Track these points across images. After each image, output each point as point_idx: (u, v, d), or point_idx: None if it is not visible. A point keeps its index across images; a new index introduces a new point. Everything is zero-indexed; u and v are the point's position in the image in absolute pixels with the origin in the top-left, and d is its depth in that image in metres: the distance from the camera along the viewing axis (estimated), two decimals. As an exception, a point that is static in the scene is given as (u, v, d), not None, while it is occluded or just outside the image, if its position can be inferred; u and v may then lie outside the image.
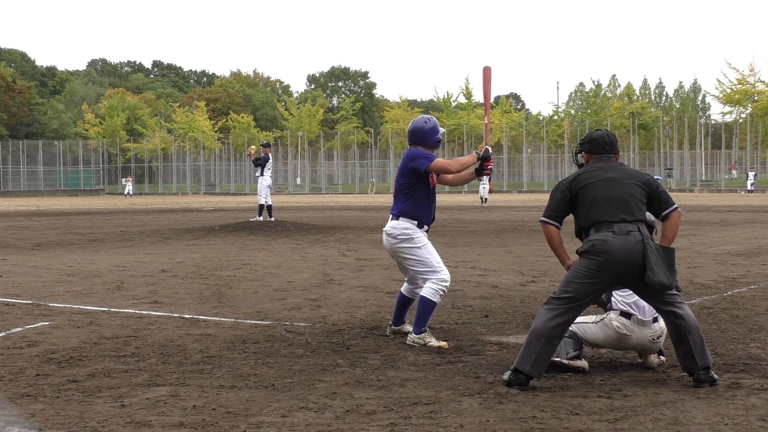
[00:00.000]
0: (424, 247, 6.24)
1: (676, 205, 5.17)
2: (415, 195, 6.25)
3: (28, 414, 4.38)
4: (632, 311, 5.29)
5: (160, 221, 24.93)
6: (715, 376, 4.93)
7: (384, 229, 6.42)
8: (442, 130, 6.54)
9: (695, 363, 4.89)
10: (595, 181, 5.08)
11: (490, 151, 6.37)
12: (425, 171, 6.18)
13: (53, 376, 5.22)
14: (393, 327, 6.58)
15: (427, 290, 6.16)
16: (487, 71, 6.96)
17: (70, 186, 75.42)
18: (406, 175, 6.27)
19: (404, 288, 6.55)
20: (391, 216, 6.38)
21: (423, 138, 6.36)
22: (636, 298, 5.27)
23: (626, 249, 4.85)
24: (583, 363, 5.28)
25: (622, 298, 5.36)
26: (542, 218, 5.32)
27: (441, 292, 6.18)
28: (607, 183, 5.05)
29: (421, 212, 6.27)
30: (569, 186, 5.17)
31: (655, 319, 5.29)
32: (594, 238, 4.94)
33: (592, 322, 5.39)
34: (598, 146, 5.29)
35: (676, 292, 5.02)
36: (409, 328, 6.42)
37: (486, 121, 6.83)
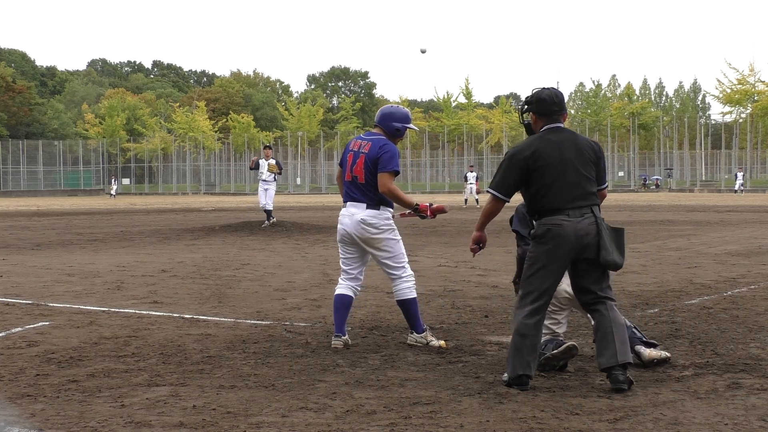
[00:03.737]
0: (400, 241, 6.16)
1: (606, 184, 5.23)
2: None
3: (28, 414, 4.38)
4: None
5: (160, 221, 24.92)
6: (632, 378, 4.83)
7: (361, 217, 5.98)
8: (416, 128, 6.42)
9: (615, 358, 4.75)
10: (552, 162, 4.93)
11: (428, 215, 6.10)
12: (379, 171, 5.89)
13: (53, 376, 5.22)
14: (342, 337, 6.08)
15: (404, 291, 6.05)
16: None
17: (70, 186, 75.35)
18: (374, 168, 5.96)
19: (343, 288, 6.15)
20: (366, 204, 5.98)
21: (380, 118, 6.13)
22: None
23: (581, 231, 4.87)
24: (569, 343, 5.28)
25: None
26: (494, 192, 5.08)
27: (414, 286, 6.10)
28: (565, 167, 4.93)
29: (393, 204, 6.13)
30: (526, 162, 4.96)
31: None
32: (548, 223, 4.91)
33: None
34: (546, 107, 5.07)
35: (611, 293, 5.01)
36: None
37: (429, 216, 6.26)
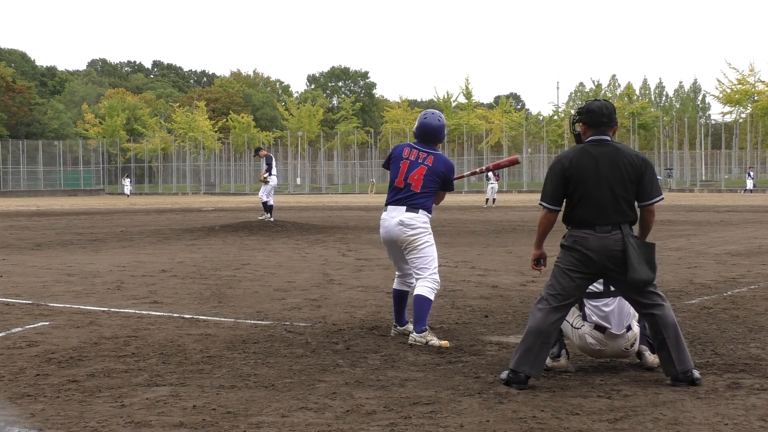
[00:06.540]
0: (433, 246, 6.39)
1: (655, 199, 5.09)
2: (434, 196, 6.45)
3: (28, 414, 4.38)
4: (606, 325, 5.21)
5: (160, 221, 24.92)
6: (697, 375, 4.92)
7: (399, 218, 6.31)
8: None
9: (674, 368, 4.91)
10: (587, 177, 4.99)
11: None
12: (441, 189, 6.43)
13: (53, 376, 5.22)
14: (398, 328, 6.59)
15: (424, 289, 6.22)
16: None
17: (70, 186, 75.35)
18: (437, 181, 6.36)
19: (396, 284, 6.62)
20: (406, 207, 6.32)
21: (437, 136, 6.47)
22: (610, 309, 5.22)
23: (606, 247, 4.90)
24: (562, 363, 5.28)
25: (596, 309, 5.26)
26: (543, 203, 5.17)
27: (436, 291, 6.31)
28: (599, 183, 4.97)
29: (432, 210, 6.50)
30: (564, 172, 5.06)
31: (629, 328, 5.27)
32: (576, 234, 4.99)
33: (571, 325, 5.35)
34: (595, 118, 5.11)
35: (658, 292, 5.04)
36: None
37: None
